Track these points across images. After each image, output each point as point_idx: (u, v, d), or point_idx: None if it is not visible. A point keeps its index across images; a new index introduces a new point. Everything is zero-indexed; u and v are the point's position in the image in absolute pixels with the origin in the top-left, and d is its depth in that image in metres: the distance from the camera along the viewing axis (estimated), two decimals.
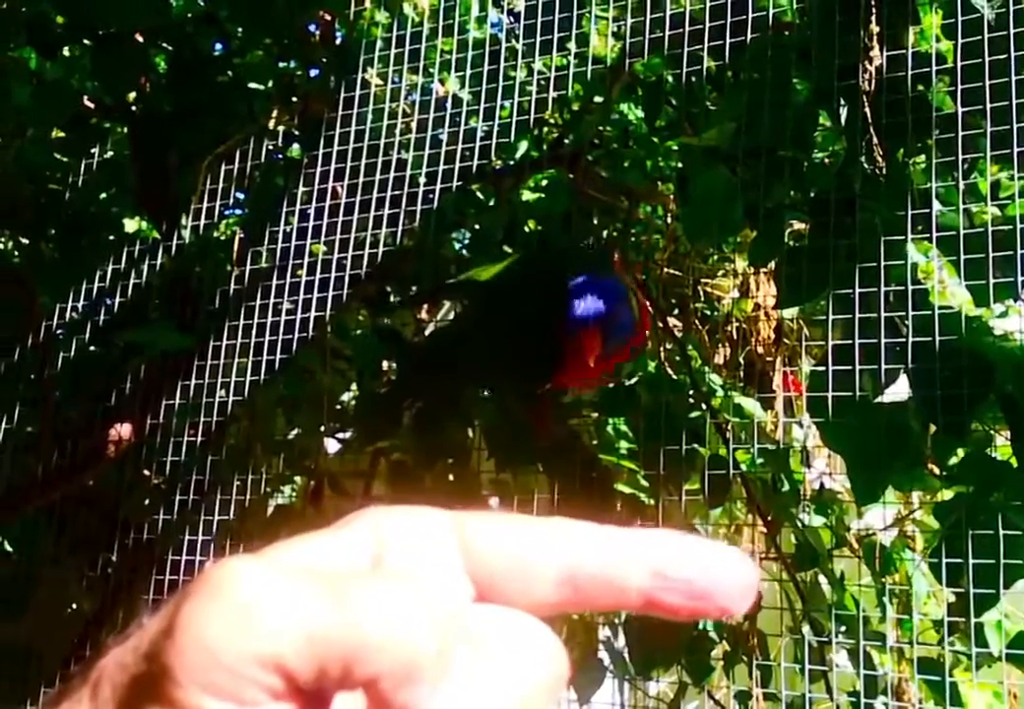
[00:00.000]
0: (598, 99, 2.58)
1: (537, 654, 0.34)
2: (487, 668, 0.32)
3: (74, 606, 2.90)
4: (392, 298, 2.67)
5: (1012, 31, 1.34)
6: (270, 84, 2.76)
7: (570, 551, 0.36)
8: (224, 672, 0.28)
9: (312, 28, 2.80)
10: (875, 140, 1.41)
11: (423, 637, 0.29)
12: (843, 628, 2.01)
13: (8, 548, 2.70)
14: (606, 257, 1.82)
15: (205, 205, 2.39)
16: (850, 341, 1.49)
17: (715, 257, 2.86)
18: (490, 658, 0.32)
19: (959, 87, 1.40)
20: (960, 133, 1.39)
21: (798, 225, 2.05)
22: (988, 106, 1.35)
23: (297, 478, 2.87)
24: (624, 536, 0.37)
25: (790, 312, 2.41)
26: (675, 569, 0.35)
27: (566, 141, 2.67)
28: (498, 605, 0.36)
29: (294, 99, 2.68)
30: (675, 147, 2.43)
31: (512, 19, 2.36)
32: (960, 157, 1.40)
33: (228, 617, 0.28)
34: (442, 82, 2.44)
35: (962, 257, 1.37)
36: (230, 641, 0.28)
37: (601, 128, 2.62)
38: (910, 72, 1.43)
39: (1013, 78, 1.32)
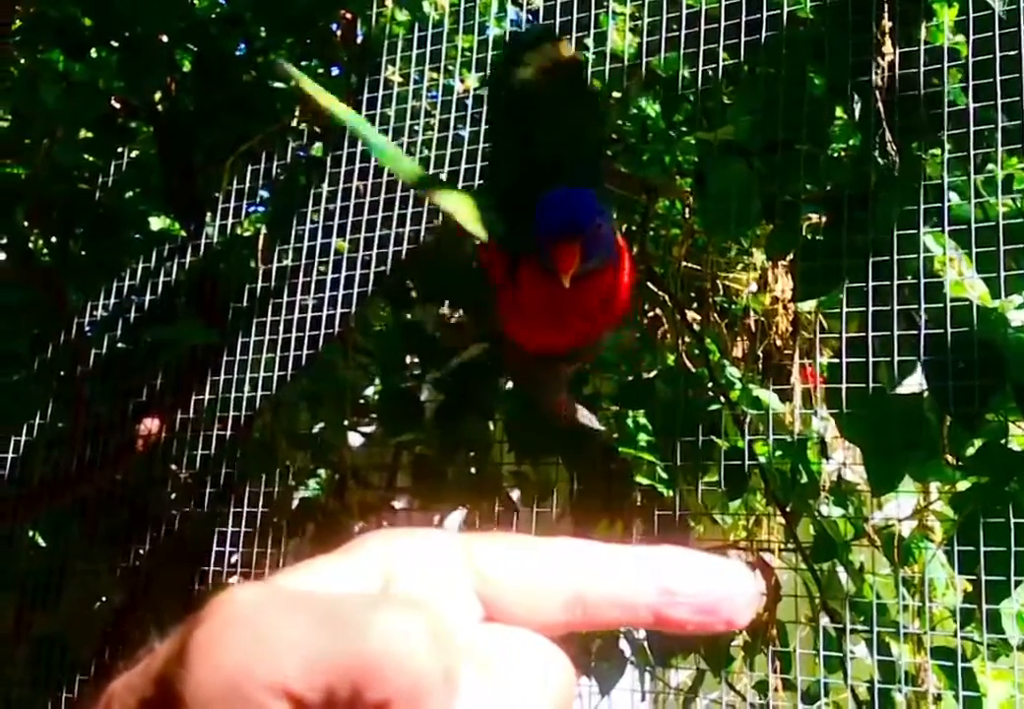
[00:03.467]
0: (616, 95, 2.60)
1: (546, 674, 0.34)
2: (496, 690, 0.32)
3: (104, 598, 2.95)
4: (414, 294, 2.70)
5: (1023, 27, 1.36)
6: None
7: (578, 570, 0.37)
8: (233, 699, 0.28)
9: (334, 28, 2.83)
10: (888, 135, 1.43)
11: (430, 661, 0.29)
12: (861, 618, 2.03)
13: (40, 541, 2.75)
14: (598, 166, 1.37)
15: (232, 204, 2.43)
16: (863, 333, 1.51)
17: (734, 251, 2.88)
18: (499, 679, 0.33)
19: (971, 82, 1.42)
20: (972, 128, 1.41)
21: (816, 217, 2.07)
22: (999, 101, 1.37)
23: (321, 471, 2.91)
24: (630, 554, 0.37)
25: (808, 305, 2.43)
26: (681, 585, 0.36)
27: None
28: (507, 625, 0.36)
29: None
30: (693, 142, 2.45)
31: (531, 17, 2.38)
32: (972, 152, 1.42)
33: (238, 645, 0.29)
34: (463, 80, 2.47)
35: (974, 250, 1.39)
36: (240, 668, 0.28)
37: (620, 122, 2.64)
38: (922, 68, 1.45)
39: None
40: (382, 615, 0.30)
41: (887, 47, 1.45)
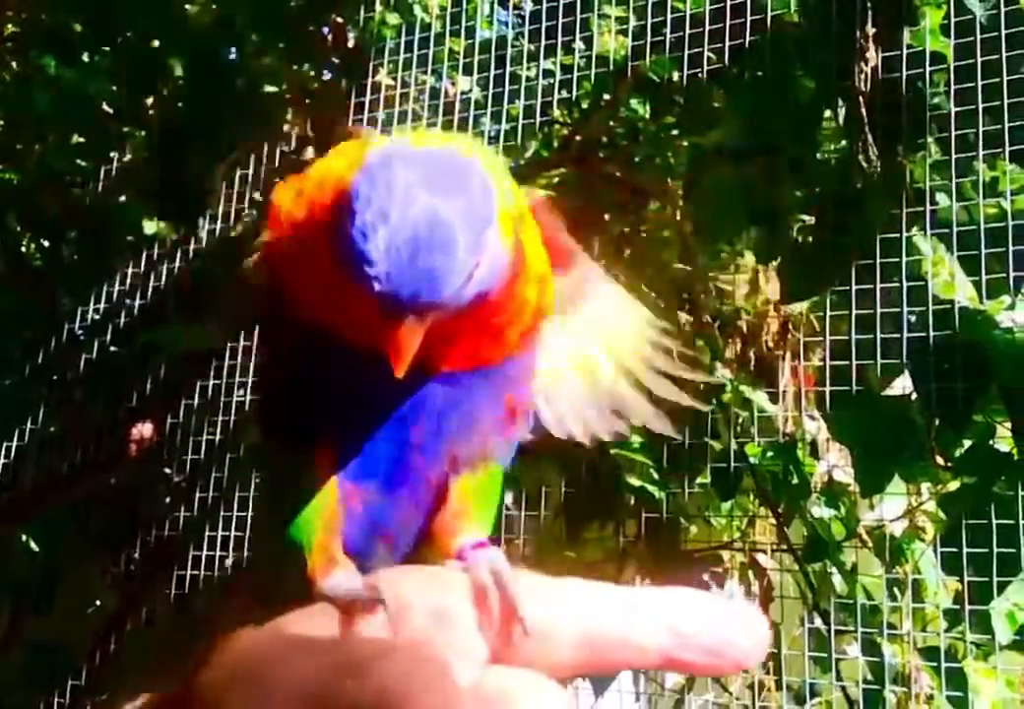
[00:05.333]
0: (607, 97, 2.61)
1: None
2: None
3: (97, 602, 2.95)
4: None
5: (1004, 32, 1.37)
6: (284, 87, 2.80)
7: (587, 613, 0.37)
8: None
9: (325, 31, 2.84)
10: (870, 140, 1.44)
11: (436, 706, 0.30)
12: (851, 617, 2.03)
13: (33, 546, 2.75)
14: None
15: (221, 209, 2.43)
16: (847, 337, 1.51)
17: (725, 252, 2.88)
18: None
19: (952, 87, 1.43)
20: (953, 132, 1.42)
21: (809, 219, 2.07)
22: (980, 106, 1.38)
23: None
24: (639, 596, 0.38)
25: (800, 306, 2.44)
26: (690, 627, 0.37)
27: (578, 138, 2.70)
28: (514, 666, 0.36)
29: (308, 101, 2.72)
30: (686, 144, 2.45)
31: (520, 21, 2.39)
32: (954, 156, 1.43)
33: (243, 692, 0.30)
34: (453, 83, 2.48)
35: (955, 253, 1.40)
36: None
37: (612, 123, 2.64)
38: (905, 73, 1.45)
39: (1005, 78, 1.35)
40: (384, 664, 0.31)
41: (870, 53, 1.46)
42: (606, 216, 2.76)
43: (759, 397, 2.40)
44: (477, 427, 0.70)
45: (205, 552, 2.17)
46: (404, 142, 0.62)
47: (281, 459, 0.70)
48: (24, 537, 2.71)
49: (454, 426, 0.68)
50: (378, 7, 2.49)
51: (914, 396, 1.72)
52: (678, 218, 2.69)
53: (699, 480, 2.29)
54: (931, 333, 1.45)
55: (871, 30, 1.46)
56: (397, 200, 0.57)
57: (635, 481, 2.28)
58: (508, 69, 2.17)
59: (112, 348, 2.52)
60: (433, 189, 0.58)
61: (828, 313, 1.53)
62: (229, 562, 2.31)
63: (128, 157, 2.96)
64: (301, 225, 0.65)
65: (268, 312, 0.70)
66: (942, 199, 1.62)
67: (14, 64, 2.79)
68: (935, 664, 1.89)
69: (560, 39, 1.97)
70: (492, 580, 0.46)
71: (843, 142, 1.99)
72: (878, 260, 1.47)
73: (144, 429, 2.38)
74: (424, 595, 0.37)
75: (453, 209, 0.58)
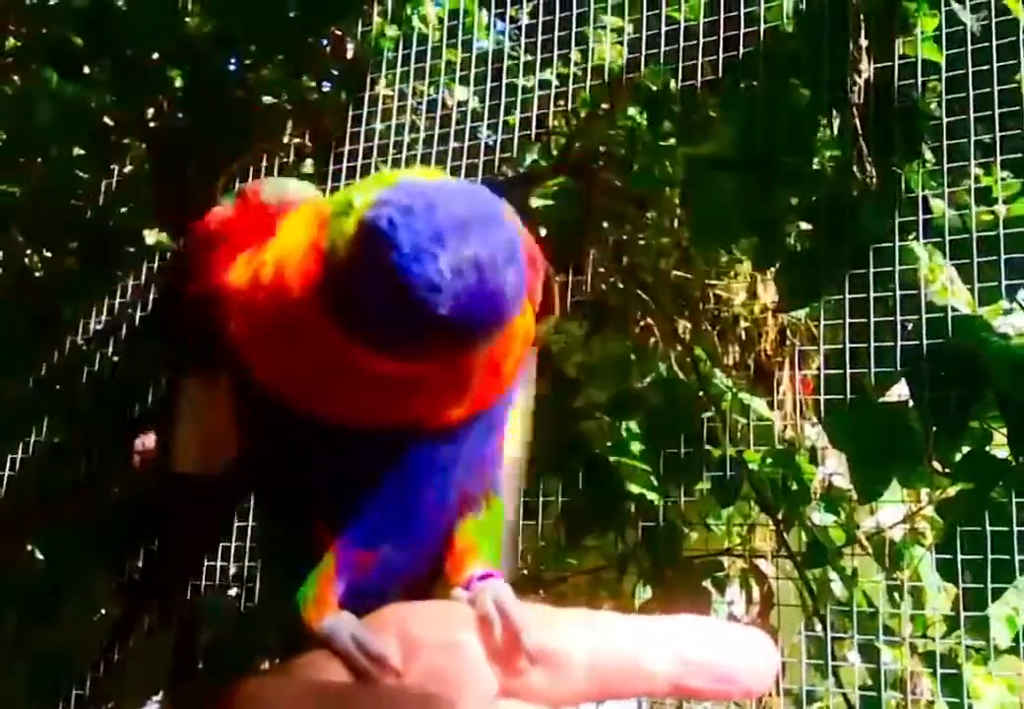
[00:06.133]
0: (605, 106, 2.63)
1: None
2: None
3: (103, 612, 2.97)
4: None
5: (995, 42, 1.39)
6: (284, 97, 2.83)
7: (596, 642, 0.37)
8: None
9: (324, 43, 2.86)
10: (865, 149, 1.46)
11: None
12: (851, 623, 2.04)
13: (39, 556, 2.76)
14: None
15: None
16: (842, 345, 1.53)
17: (724, 259, 2.90)
18: None
19: (944, 97, 1.45)
20: (945, 142, 1.43)
21: (806, 226, 2.09)
22: (972, 115, 1.40)
23: None
24: (646, 624, 0.38)
25: (800, 313, 2.45)
26: (699, 654, 0.37)
27: (576, 145, 2.72)
28: (525, 699, 0.37)
29: (307, 113, 2.74)
30: (680, 152, 2.47)
31: (518, 32, 2.41)
32: (946, 166, 1.45)
33: None
34: (451, 94, 2.50)
35: (948, 261, 1.42)
36: None
37: (612, 132, 2.66)
38: (896, 83, 1.47)
39: (996, 88, 1.37)
40: (395, 706, 0.32)
41: (863, 64, 1.47)
42: (604, 224, 2.78)
43: (758, 404, 2.41)
44: (480, 469, 0.67)
45: (210, 562, 2.18)
46: (410, 178, 0.56)
47: (280, 532, 0.67)
48: (29, 548, 2.73)
49: (458, 476, 0.66)
50: (376, 19, 2.51)
51: (911, 403, 1.74)
52: (676, 226, 2.71)
53: (698, 487, 2.30)
54: (924, 340, 1.46)
55: (864, 41, 1.48)
56: (445, 225, 0.51)
57: (635, 488, 2.29)
58: (506, 80, 2.19)
59: (115, 359, 2.53)
60: (473, 214, 0.52)
61: (823, 321, 1.55)
62: (233, 572, 2.32)
63: (129, 169, 2.99)
64: (271, 304, 0.59)
65: (241, 396, 0.64)
66: (936, 207, 1.64)
67: (15, 77, 2.82)
68: (933, 669, 1.90)
69: (557, 50, 1.99)
70: (496, 610, 0.45)
71: (838, 151, 2.01)
72: (871, 269, 1.48)
73: (148, 439, 2.40)
74: (432, 629, 0.38)
75: (505, 230, 0.53)
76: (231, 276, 0.62)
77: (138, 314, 2.49)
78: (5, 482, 2.53)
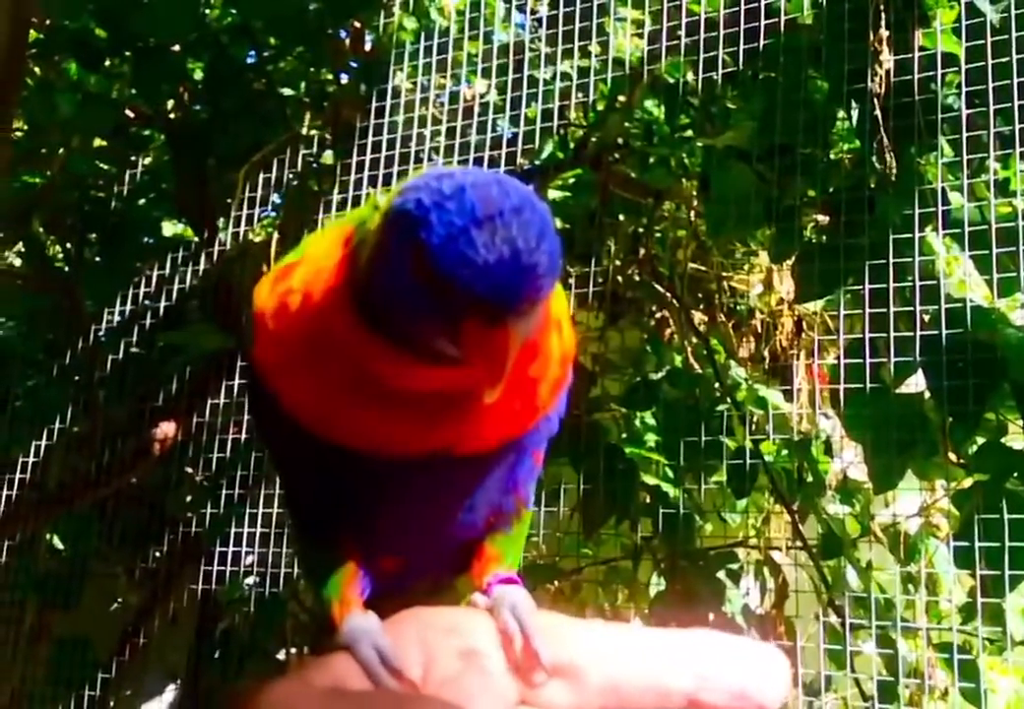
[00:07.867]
0: (622, 98, 2.63)
1: None
2: None
3: (122, 599, 3.00)
4: None
5: (1014, 34, 1.39)
6: (303, 88, 2.84)
7: (613, 657, 0.38)
8: None
9: (343, 35, 2.87)
10: (885, 141, 1.46)
11: None
12: (866, 613, 2.05)
13: (59, 544, 2.79)
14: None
15: (245, 212, 2.47)
16: (860, 335, 1.54)
17: (740, 251, 2.90)
18: None
19: (963, 89, 1.45)
20: (964, 134, 1.44)
21: (823, 218, 2.09)
22: (991, 107, 1.40)
23: None
24: (663, 639, 0.39)
25: (816, 305, 2.46)
26: (714, 670, 0.38)
27: (593, 139, 2.72)
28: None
29: (326, 104, 2.75)
30: (700, 144, 2.48)
31: (536, 24, 2.42)
32: (965, 158, 1.45)
33: None
34: (470, 86, 2.50)
35: (967, 252, 1.42)
36: None
37: (628, 124, 2.66)
38: (916, 75, 1.48)
39: (1015, 80, 1.37)
40: None
41: (884, 55, 1.48)
42: (621, 216, 2.78)
43: (774, 395, 2.42)
44: (514, 489, 0.69)
45: (231, 548, 2.20)
46: (436, 168, 0.59)
47: (313, 551, 0.69)
48: (50, 535, 2.76)
49: (489, 496, 0.67)
50: (396, 11, 2.52)
51: (927, 394, 1.74)
52: (692, 218, 2.72)
53: (714, 478, 2.31)
54: (943, 331, 1.47)
55: (884, 33, 1.48)
56: (479, 205, 0.52)
57: (651, 479, 2.30)
58: (525, 72, 2.20)
59: (135, 349, 2.55)
60: (505, 196, 0.53)
61: (842, 312, 1.55)
62: (251, 559, 2.34)
63: (149, 160, 3.01)
64: (302, 329, 0.60)
65: (268, 416, 0.65)
66: (955, 199, 1.64)
67: (37, 70, 2.84)
68: (948, 656, 1.90)
69: (576, 42, 2.00)
70: (515, 623, 0.46)
71: (856, 142, 2.01)
72: (891, 259, 1.49)
73: (168, 428, 2.42)
74: (452, 638, 0.39)
75: (537, 211, 0.54)
76: (259, 304, 0.64)
77: (160, 304, 2.51)
78: (28, 469, 2.55)
